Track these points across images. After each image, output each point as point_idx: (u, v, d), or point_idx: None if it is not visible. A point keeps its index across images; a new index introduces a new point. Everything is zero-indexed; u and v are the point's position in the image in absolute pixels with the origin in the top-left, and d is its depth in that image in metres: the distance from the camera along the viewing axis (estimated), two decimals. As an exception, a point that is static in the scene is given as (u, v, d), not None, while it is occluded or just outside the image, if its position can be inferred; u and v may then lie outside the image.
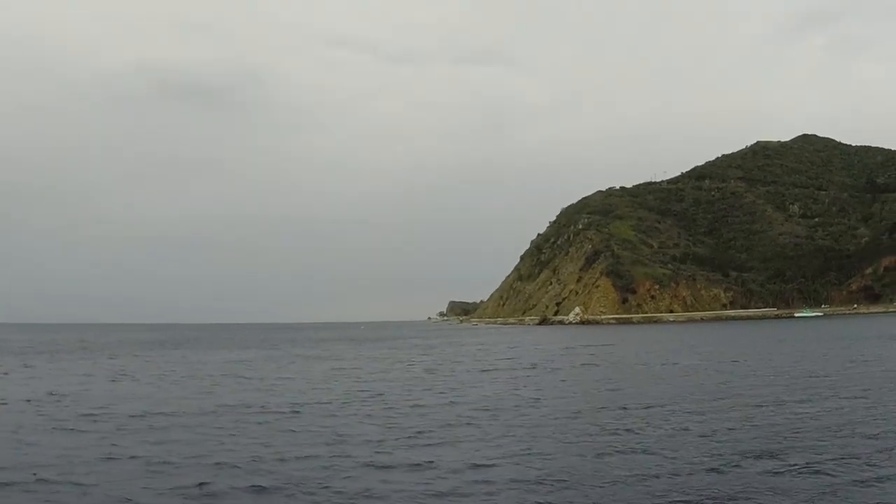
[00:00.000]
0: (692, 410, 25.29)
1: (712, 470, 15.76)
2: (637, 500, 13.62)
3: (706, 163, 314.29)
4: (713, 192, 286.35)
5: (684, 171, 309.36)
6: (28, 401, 31.16)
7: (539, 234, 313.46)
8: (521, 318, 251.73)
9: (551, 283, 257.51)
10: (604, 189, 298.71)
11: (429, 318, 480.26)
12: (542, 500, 13.69)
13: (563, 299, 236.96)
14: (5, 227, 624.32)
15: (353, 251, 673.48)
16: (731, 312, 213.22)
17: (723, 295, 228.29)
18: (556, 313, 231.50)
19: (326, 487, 14.92)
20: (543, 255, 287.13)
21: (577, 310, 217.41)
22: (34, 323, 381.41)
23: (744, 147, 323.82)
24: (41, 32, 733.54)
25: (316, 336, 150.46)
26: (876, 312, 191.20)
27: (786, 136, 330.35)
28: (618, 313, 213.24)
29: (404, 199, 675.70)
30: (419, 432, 21.71)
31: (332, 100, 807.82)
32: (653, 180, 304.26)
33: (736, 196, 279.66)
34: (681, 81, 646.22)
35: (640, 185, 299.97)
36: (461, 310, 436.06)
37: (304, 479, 15.65)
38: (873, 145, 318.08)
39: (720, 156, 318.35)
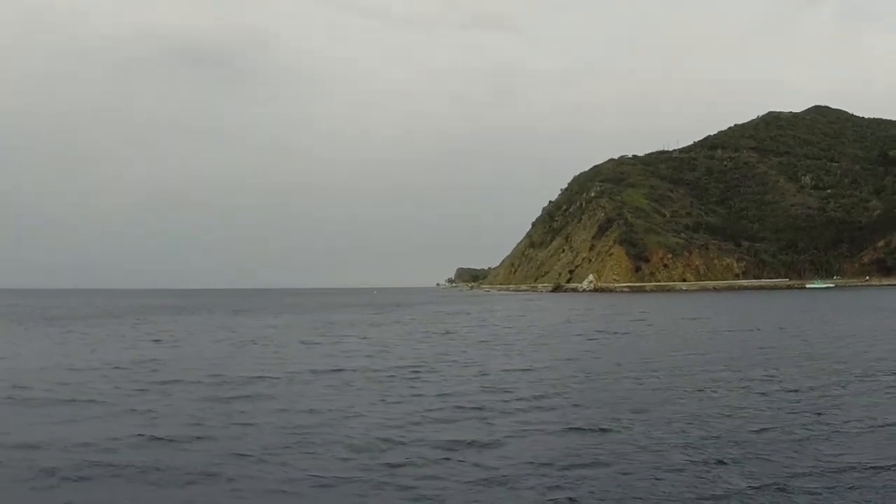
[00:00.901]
0: (815, 373, 26.04)
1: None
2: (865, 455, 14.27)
3: (718, 132, 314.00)
4: (725, 162, 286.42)
5: (696, 141, 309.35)
6: (115, 367, 30.35)
7: (551, 202, 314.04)
8: (533, 284, 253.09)
9: (564, 251, 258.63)
10: (616, 157, 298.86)
11: (437, 284, 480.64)
12: (765, 454, 14.26)
13: (576, 267, 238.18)
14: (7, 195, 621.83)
15: (356, 217, 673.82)
16: (744, 282, 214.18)
17: (735, 265, 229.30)
18: (568, 280, 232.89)
19: (523, 454, 14.61)
20: (556, 222, 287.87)
21: (590, 277, 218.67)
22: (17, 289, 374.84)
23: (756, 117, 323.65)
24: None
25: (337, 302, 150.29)
26: (889, 285, 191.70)
27: (797, 108, 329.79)
28: (631, 281, 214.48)
29: (408, 165, 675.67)
30: (539, 395, 22.03)
31: (339, 65, 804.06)
32: (665, 149, 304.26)
33: (748, 166, 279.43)
34: (691, 51, 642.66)
35: (652, 153, 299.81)
36: (470, 276, 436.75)
37: (478, 444, 15.50)
38: (886, 118, 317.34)
39: (733, 125, 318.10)
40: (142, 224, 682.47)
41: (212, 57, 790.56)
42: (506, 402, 21.11)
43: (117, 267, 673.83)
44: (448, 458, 14.32)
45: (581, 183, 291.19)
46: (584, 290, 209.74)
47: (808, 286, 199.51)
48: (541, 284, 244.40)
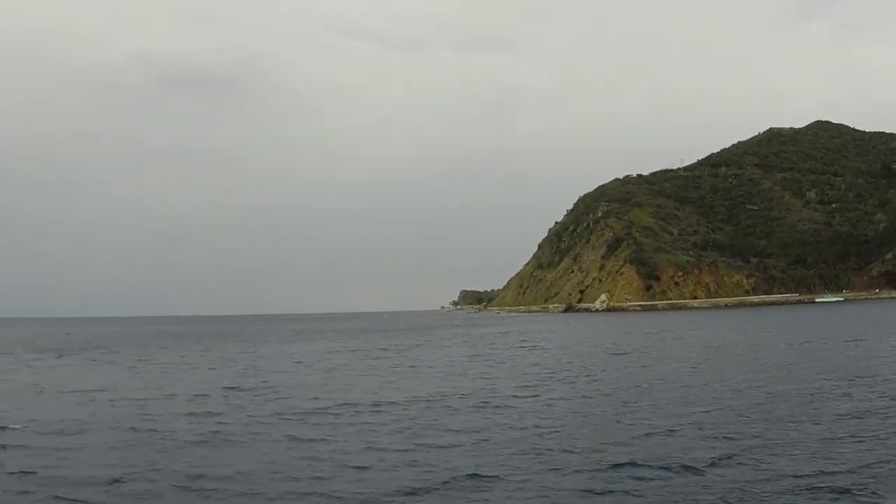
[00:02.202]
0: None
1: None
2: None
3: (721, 150, 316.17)
4: (730, 180, 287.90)
5: (700, 159, 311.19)
6: (227, 394, 30.68)
7: (557, 222, 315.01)
8: (544, 305, 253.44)
9: (573, 271, 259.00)
10: (620, 177, 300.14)
11: (442, 307, 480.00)
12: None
13: (587, 287, 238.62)
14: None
15: (354, 242, 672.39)
16: (755, 298, 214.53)
17: (745, 281, 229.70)
18: (579, 301, 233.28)
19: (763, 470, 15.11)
20: (563, 242, 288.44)
21: (602, 297, 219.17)
22: (23, 318, 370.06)
23: (757, 133, 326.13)
24: (40, 24, 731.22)
25: (355, 327, 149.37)
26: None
27: (796, 124, 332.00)
28: (642, 300, 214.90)
29: (407, 188, 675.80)
30: (694, 412, 22.48)
31: (335, 88, 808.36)
32: (669, 168, 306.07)
33: (752, 183, 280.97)
34: (687, 68, 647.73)
35: (656, 172, 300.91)
36: (474, 298, 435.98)
37: (705, 460, 16.37)
38: (887, 131, 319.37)
39: (735, 143, 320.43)
40: (132, 249, 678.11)
41: (208, 79, 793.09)
42: (683, 415, 21.73)
43: (103, 295, 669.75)
44: (695, 476, 14.79)
45: (587, 203, 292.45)
46: (596, 310, 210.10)
47: (817, 300, 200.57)
48: (552, 305, 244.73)
